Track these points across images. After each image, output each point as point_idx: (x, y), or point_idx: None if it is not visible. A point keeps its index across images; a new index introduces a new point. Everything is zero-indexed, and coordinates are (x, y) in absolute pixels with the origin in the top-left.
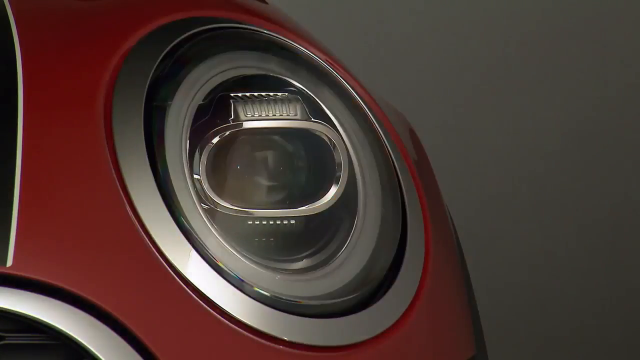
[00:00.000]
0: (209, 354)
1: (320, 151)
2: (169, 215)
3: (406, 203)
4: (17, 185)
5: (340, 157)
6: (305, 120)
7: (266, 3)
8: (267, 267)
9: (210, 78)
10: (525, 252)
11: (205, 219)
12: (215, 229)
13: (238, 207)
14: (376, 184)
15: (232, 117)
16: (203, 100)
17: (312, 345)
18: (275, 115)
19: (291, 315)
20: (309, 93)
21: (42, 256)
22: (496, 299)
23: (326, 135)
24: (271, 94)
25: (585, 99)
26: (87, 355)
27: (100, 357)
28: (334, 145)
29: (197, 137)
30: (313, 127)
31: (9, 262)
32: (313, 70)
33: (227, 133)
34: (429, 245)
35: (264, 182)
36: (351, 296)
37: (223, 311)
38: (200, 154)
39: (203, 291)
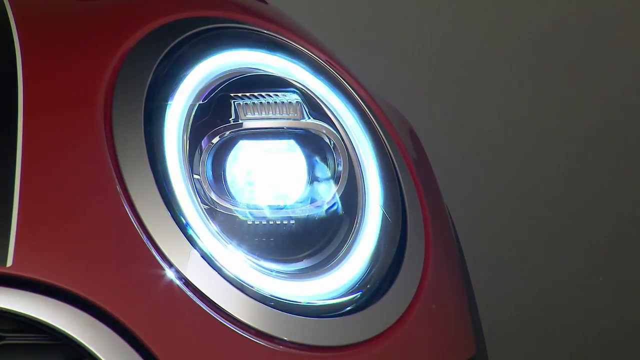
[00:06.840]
0: (209, 353)
1: (320, 151)
2: (169, 215)
3: (406, 203)
4: (17, 186)
5: (340, 157)
6: (305, 120)
7: (266, 3)
8: (267, 268)
9: (210, 78)
10: (525, 251)
11: (205, 219)
12: (215, 229)
13: (238, 207)
14: (376, 184)
15: (232, 117)
16: (203, 100)
17: (312, 345)
18: (275, 115)
19: (291, 315)
20: (309, 93)
21: (42, 256)
22: (496, 299)
23: (326, 135)
24: (271, 94)
25: (588, 99)
26: (87, 355)
27: (100, 357)
28: (334, 145)
29: (197, 137)
30: (313, 127)
31: (9, 262)
32: (313, 70)
33: (227, 133)
34: (429, 245)
35: (264, 182)
36: (351, 296)
37: (223, 311)
38: (200, 154)
39: (203, 291)
